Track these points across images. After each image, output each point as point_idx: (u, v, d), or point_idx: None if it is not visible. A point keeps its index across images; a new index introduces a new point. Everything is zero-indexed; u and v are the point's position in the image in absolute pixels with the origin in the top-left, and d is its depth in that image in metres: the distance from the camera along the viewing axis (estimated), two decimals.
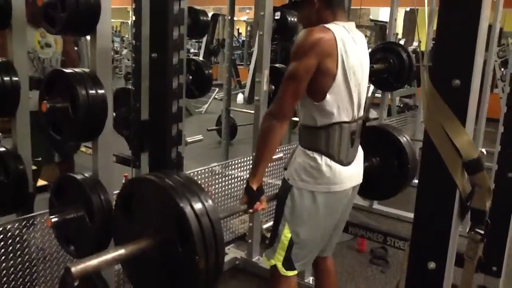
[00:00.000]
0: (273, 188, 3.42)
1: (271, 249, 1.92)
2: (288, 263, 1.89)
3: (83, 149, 3.81)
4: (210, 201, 1.38)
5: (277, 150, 1.88)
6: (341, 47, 1.71)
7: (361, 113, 1.89)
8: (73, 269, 1.22)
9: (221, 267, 1.39)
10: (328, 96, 1.74)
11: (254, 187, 1.81)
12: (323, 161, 1.80)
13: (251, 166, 3.05)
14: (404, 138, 2.53)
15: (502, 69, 6.03)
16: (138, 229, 1.43)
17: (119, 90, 2.40)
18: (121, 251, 1.33)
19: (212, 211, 1.36)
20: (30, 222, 2.12)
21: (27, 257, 2.13)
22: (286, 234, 1.86)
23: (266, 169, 1.88)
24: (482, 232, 1.06)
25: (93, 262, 1.27)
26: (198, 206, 1.34)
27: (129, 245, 1.36)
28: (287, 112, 1.75)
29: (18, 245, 2.09)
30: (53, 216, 1.64)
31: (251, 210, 1.85)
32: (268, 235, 2.04)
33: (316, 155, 1.81)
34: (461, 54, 0.96)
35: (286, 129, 1.83)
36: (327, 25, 1.74)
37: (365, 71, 1.87)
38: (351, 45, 1.76)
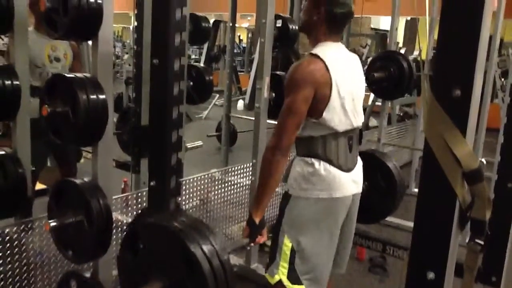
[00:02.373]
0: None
1: (274, 264, 1.88)
2: (293, 276, 1.83)
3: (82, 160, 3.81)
4: (218, 242, 1.38)
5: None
6: (332, 72, 1.76)
7: (359, 121, 1.90)
8: None
9: None
10: (324, 114, 1.77)
11: (257, 220, 1.82)
12: (322, 166, 1.80)
13: (251, 172, 3.06)
14: (392, 163, 2.57)
15: (502, 79, 6.05)
16: (145, 272, 1.42)
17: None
18: None
19: (221, 251, 1.36)
20: (29, 226, 2.11)
21: (25, 261, 2.12)
22: (287, 243, 1.84)
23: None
24: (481, 242, 1.06)
25: None
26: (208, 247, 1.34)
27: None
28: (289, 144, 1.77)
29: (16, 249, 2.08)
30: (52, 221, 1.64)
31: (252, 244, 1.86)
32: (268, 242, 2.02)
33: (314, 161, 1.81)
34: (462, 63, 0.96)
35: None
36: (316, 51, 1.79)
37: (358, 83, 1.90)
38: (342, 64, 1.81)
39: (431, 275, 1.04)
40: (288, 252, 1.83)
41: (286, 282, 1.84)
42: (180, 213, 1.57)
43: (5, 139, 2.23)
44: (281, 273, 1.84)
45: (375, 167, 2.55)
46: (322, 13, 1.80)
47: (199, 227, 1.41)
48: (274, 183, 1.81)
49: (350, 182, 1.86)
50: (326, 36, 1.84)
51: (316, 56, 1.77)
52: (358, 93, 1.88)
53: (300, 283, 1.84)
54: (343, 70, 1.80)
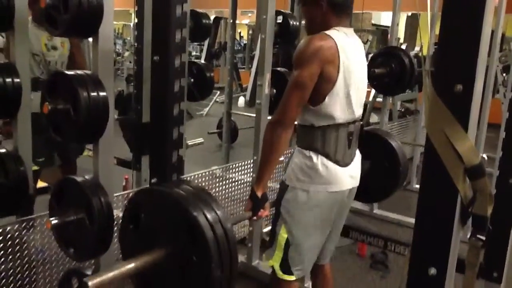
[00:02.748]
0: (274, 192, 3.41)
1: (271, 250, 1.94)
2: (285, 266, 1.89)
3: (85, 152, 3.81)
4: (221, 210, 1.38)
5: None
6: (342, 53, 1.74)
7: (359, 114, 1.90)
8: (90, 283, 1.26)
9: (235, 274, 1.39)
10: (327, 99, 1.76)
11: (259, 194, 1.83)
12: (319, 160, 1.81)
13: (252, 169, 3.06)
14: (395, 142, 2.56)
15: (504, 75, 6.03)
16: (148, 242, 1.42)
17: None
18: (135, 263, 1.34)
19: (224, 219, 1.36)
20: (30, 224, 2.11)
21: (26, 259, 2.12)
22: (283, 234, 1.88)
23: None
24: (483, 238, 1.06)
25: (108, 275, 1.30)
26: (211, 214, 1.34)
27: (141, 257, 1.36)
28: (292, 119, 1.77)
29: (18, 247, 2.08)
30: (53, 218, 1.63)
31: (255, 218, 1.86)
32: (268, 238, 2.04)
33: (312, 154, 1.82)
34: (464, 59, 0.96)
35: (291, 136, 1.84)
36: (327, 32, 1.77)
37: (363, 74, 1.90)
38: (351, 50, 1.79)
39: (432, 271, 1.04)
40: (283, 243, 1.88)
41: (277, 270, 1.91)
42: (183, 182, 1.55)
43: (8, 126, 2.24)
44: (275, 261, 1.91)
45: (378, 145, 2.54)
46: (323, 6, 1.79)
47: (202, 195, 1.41)
48: (275, 157, 1.81)
49: (347, 177, 1.88)
50: (336, 22, 1.81)
51: (327, 35, 1.75)
52: (362, 82, 1.87)
53: (291, 273, 1.91)
54: (351, 57, 1.78)
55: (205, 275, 1.31)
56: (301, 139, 1.88)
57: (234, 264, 1.36)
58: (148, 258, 1.36)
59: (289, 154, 1.92)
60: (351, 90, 1.78)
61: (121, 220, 1.54)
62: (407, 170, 2.56)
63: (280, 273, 1.90)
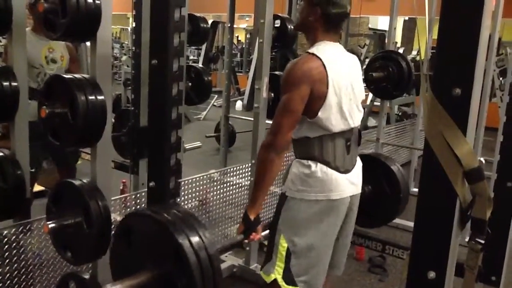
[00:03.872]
0: (272, 196, 3.41)
1: (270, 263, 1.87)
2: (288, 277, 1.83)
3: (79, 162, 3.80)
4: (207, 235, 1.40)
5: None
6: (330, 70, 1.75)
7: (356, 122, 1.89)
8: None
9: None
10: (319, 114, 1.76)
11: (252, 217, 1.81)
12: (318, 168, 1.79)
13: (250, 173, 3.06)
14: (396, 167, 2.57)
15: (501, 79, 6.06)
16: (136, 263, 1.44)
17: None
18: (121, 286, 1.36)
19: (210, 245, 1.38)
20: (27, 227, 2.11)
21: (23, 263, 2.11)
22: (283, 243, 1.84)
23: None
24: (482, 241, 1.06)
25: None
26: (195, 240, 1.36)
27: (128, 280, 1.37)
28: (284, 143, 1.76)
29: (15, 251, 2.08)
30: (50, 222, 1.63)
31: (246, 241, 1.85)
32: (266, 242, 2.02)
33: (311, 163, 1.80)
34: (462, 62, 0.96)
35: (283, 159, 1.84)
36: (313, 50, 1.79)
37: (356, 84, 1.89)
38: (339, 64, 1.80)
39: (431, 275, 1.04)
40: (284, 253, 1.83)
41: (281, 282, 1.83)
42: (172, 206, 1.57)
43: (5, 140, 2.22)
44: (277, 273, 1.84)
45: (379, 170, 2.55)
46: (318, 13, 1.80)
47: (189, 220, 1.42)
48: (268, 181, 1.80)
49: (348, 184, 1.85)
50: (324, 35, 1.84)
51: (313, 55, 1.77)
52: (356, 93, 1.87)
53: (295, 284, 1.84)
54: (340, 69, 1.79)
55: None
56: (298, 151, 1.87)
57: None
58: (134, 281, 1.37)
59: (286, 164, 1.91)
60: (343, 103, 1.79)
61: (112, 241, 1.57)
62: (407, 196, 2.57)
63: (284, 285, 1.83)
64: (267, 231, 1.98)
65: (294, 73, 1.75)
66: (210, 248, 1.37)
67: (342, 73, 1.79)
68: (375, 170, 2.51)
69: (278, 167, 1.80)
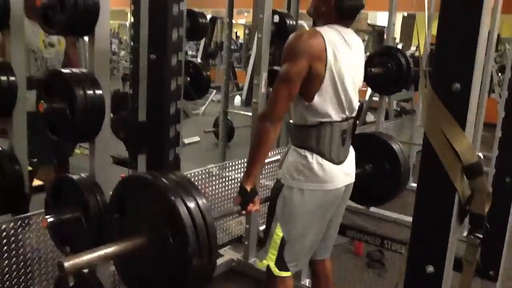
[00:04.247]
0: (268, 190, 3.42)
1: (263, 250, 1.93)
2: (281, 263, 1.90)
3: (77, 150, 3.79)
4: (203, 199, 1.38)
5: (274, 151, 1.89)
6: (329, 51, 1.73)
7: (353, 113, 1.90)
8: (66, 264, 1.24)
9: (214, 264, 1.40)
10: (316, 98, 1.76)
11: (248, 188, 1.82)
12: (314, 159, 1.81)
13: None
14: (396, 145, 2.57)
15: (499, 74, 6.06)
16: (132, 228, 1.43)
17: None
18: (114, 248, 1.34)
19: (205, 209, 1.37)
20: (26, 222, 2.11)
21: (22, 257, 2.12)
22: (278, 233, 1.88)
23: (262, 171, 1.89)
24: (480, 236, 1.06)
25: (86, 257, 1.29)
26: (191, 203, 1.34)
27: (122, 242, 1.36)
28: (280, 113, 1.77)
29: (13, 245, 2.08)
30: (49, 216, 1.63)
31: (244, 212, 1.85)
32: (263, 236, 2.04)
33: (307, 153, 1.82)
34: (461, 58, 0.96)
35: (280, 130, 1.85)
36: (319, 29, 1.77)
37: (358, 73, 1.88)
38: (342, 48, 1.78)
39: (430, 269, 1.05)
40: (278, 241, 1.88)
41: (273, 268, 1.90)
42: (168, 171, 1.55)
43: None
44: (269, 259, 1.90)
45: (379, 148, 2.57)
46: (331, 4, 1.79)
47: (185, 184, 1.41)
48: (264, 151, 1.82)
49: (342, 175, 1.88)
50: (336, 20, 1.82)
51: (317, 32, 1.75)
52: (355, 81, 1.86)
53: (287, 269, 1.91)
54: (342, 55, 1.77)
55: (184, 265, 1.32)
56: (296, 138, 1.88)
57: (213, 254, 1.37)
58: (128, 244, 1.36)
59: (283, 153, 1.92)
60: (340, 89, 1.78)
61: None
62: (408, 172, 2.57)
63: (276, 271, 1.90)
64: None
65: (295, 45, 1.74)
66: (206, 211, 1.36)
67: (343, 60, 1.77)
68: (375, 148, 2.55)
69: (273, 138, 1.81)
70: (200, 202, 1.36)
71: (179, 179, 1.43)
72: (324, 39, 1.73)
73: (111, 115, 1.93)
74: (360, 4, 1.83)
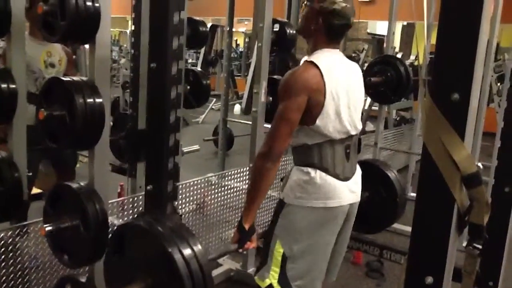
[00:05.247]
0: (269, 200, 3.41)
1: (265, 268, 1.88)
2: (284, 281, 1.84)
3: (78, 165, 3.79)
4: (199, 245, 1.42)
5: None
6: (327, 78, 1.74)
7: (356, 130, 1.89)
8: None
9: None
10: (317, 121, 1.76)
11: (247, 226, 1.80)
12: (318, 175, 1.79)
13: (248, 177, 3.05)
14: (392, 173, 2.59)
15: (499, 84, 6.07)
16: (131, 271, 1.46)
17: None
18: None
19: (200, 255, 1.40)
20: (24, 230, 2.10)
21: (19, 265, 2.10)
22: (279, 249, 1.83)
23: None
24: (480, 247, 1.05)
25: None
26: (187, 251, 1.38)
27: None
28: (281, 151, 1.76)
29: (11, 254, 2.07)
30: (47, 225, 1.62)
31: (241, 250, 1.84)
32: (260, 256, 2.00)
33: (310, 170, 1.80)
34: (460, 67, 0.96)
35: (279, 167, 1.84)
36: (312, 58, 1.78)
37: (356, 90, 1.88)
38: (337, 71, 1.80)
39: (429, 280, 1.04)
40: (280, 258, 1.83)
41: (276, 286, 1.84)
42: (164, 217, 1.58)
43: (5, 144, 2.21)
44: (272, 277, 1.85)
45: (376, 177, 2.56)
46: (320, 24, 1.79)
47: (181, 231, 1.44)
48: (263, 190, 1.79)
49: (347, 192, 1.85)
50: (324, 43, 1.83)
51: (312, 63, 1.76)
52: (355, 101, 1.86)
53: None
54: (338, 77, 1.78)
55: None
56: (298, 158, 1.86)
57: None
58: None
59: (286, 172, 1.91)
60: (342, 111, 1.78)
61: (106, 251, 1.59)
62: (405, 201, 2.58)
63: None
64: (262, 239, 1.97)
65: (292, 82, 1.75)
66: (201, 257, 1.39)
67: (340, 81, 1.79)
68: (372, 176, 2.52)
69: (273, 177, 1.79)
70: (195, 248, 1.41)
71: (174, 225, 1.47)
72: (319, 68, 1.74)
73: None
74: (349, 24, 1.83)
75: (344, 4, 1.78)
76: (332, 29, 1.80)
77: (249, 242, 1.83)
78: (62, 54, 3.04)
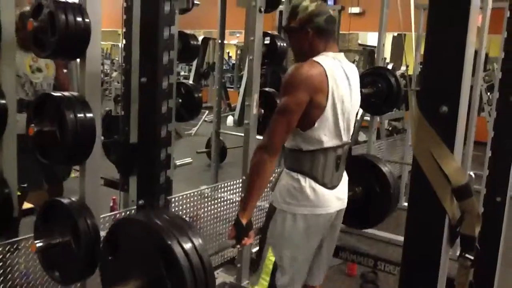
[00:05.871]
0: (262, 211, 3.40)
1: (256, 274, 1.92)
2: None
3: (73, 174, 3.77)
4: (199, 238, 1.36)
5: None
6: (331, 81, 1.75)
7: (349, 138, 1.91)
8: None
9: None
10: (316, 124, 1.77)
11: (244, 221, 1.80)
12: (307, 183, 1.80)
13: (241, 189, 3.05)
14: (386, 167, 2.58)
15: (489, 94, 6.13)
16: (126, 271, 1.41)
17: None
18: None
19: (201, 248, 1.35)
20: (14, 246, 2.08)
21: (10, 282, 2.08)
22: (270, 257, 1.86)
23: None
24: (472, 257, 1.06)
25: None
26: (186, 244, 1.33)
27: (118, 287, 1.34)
28: (278, 145, 1.77)
29: (2, 270, 2.04)
30: (38, 241, 1.61)
31: (238, 246, 1.84)
32: (255, 260, 2.02)
33: (300, 177, 1.81)
34: (448, 81, 0.97)
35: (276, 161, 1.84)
36: (316, 59, 1.78)
37: (354, 98, 1.90)
38: (341, 76, 1.81)
39: None
40: (271, 266, 1.86)
41: None
42: (160, 210, 1.55)
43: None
44: (261, 285, 1.88)
45: (369, 171, 2.58)
46: (310, 33, 1.81)
47: (179, 223, 1.39)
48: (261, 184, 1.79)
49: (334, 199, 1.88)
50: (324, 46, 1.84)
51: (317, 62, 1.77)
52: (351, 107, 1.87)
53: None
54: (339, 82, 1.79)
55: None
56: (289, 162, 1.87)
57: None
58: None
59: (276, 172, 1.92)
60: (340, 116, 1.80)
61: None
62: (398, 193, 2.59)
63: None
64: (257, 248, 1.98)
65: (295, 77, 1.75)
66: (201, 251, 1.34)
67: (341, 85, 1.80)
68: (365, 170, 2.56)
69: (271, 170, 1.79)
70: (195, 241, 1.35)
71: (172, 218, 1.42)
72: (324, 68, 1.75)
73: (102, 138, 1.94)
74: (331, 16, 1.85)
75: (315, 3, 1.81)
76: (322, 29, 1.82)
77: (246, 238, 1.82)
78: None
